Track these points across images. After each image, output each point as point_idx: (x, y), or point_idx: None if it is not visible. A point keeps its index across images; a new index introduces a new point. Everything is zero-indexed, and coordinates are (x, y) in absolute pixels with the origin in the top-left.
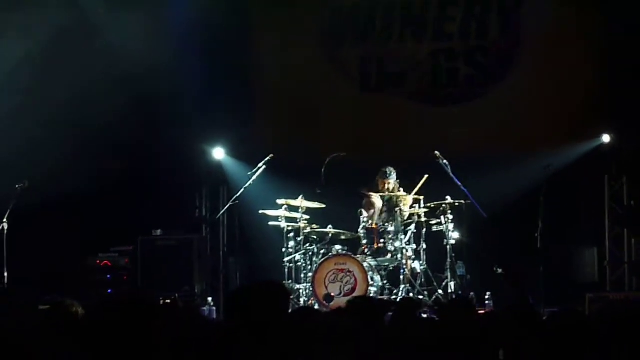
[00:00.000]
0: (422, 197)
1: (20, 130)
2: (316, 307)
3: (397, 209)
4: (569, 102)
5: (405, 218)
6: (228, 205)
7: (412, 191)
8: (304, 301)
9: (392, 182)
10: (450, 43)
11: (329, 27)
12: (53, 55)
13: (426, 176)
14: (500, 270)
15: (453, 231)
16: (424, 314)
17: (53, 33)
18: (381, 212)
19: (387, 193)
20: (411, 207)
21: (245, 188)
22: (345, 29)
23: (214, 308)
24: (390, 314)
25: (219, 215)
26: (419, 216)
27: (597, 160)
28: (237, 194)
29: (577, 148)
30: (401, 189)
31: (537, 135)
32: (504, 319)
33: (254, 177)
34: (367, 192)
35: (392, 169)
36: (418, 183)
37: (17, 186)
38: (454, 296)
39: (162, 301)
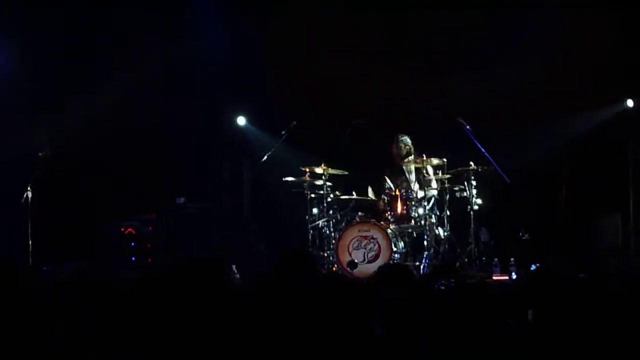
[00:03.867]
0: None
1: (43, 96)
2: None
3: (419, 175)
4: (593, 67)
5: (428, 184)
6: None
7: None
8: (328, 268)
9: (403, 147)
10: (471, 8)
11: None
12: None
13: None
14: (526, 236)
15: (476, 197)
16: (442, 286)
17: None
18: (403, 178)
19: (403, 157)
20: (434, 173)
21: (269, 154)
22: None
23: (238, 275)
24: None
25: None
26: (442, 182)
27: (621, 125)
28: (259, 161)
29: (601, 113)
30: (424, 155)
31: (560, 100)
32: (529, 283)
33: (277, 144)
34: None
35: (402, 135)
36: (438, 153)
37: (39, 154)
38: (477, 262)
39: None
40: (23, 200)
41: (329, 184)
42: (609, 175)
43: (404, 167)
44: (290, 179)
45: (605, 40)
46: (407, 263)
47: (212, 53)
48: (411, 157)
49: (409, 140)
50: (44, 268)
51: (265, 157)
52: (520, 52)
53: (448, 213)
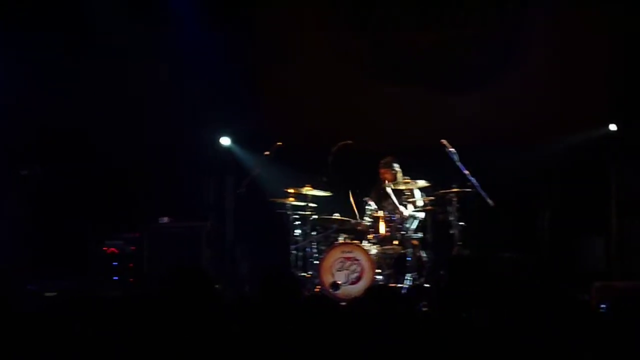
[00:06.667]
0: (429, 185)
1: (27, 117)
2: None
3: (403, 197)
4: (576, 90)
5: (412, 206)
6: (240, 190)
7: (416, 180)
8: (310, 289)
9: (391, 171)
10: (461, 31)
11: (338, 14)
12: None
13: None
14: (507, 257)
15: (459, 220)
16: (424, 307)
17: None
18: (386, 200)
19: (388, 183)
20: (420, 195)
21: (252, 176)
22: (356, 15)
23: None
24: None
25: (240, 190)
26: (426, 204)
27: (604, 149)
28: (244, 181)
29: (585, 136)
30: (407, 178)
31: (544, 123)
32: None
33: (262, 165)
34: (371, 199)
35: (390, 158)
36: (423, 176)
37: (22, 172)
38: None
39: None
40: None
41: (312, 205)
42: (592, 198)
43: (389, 190)
44: (274, 199)
45: (590, 64)
46: (390, 285)
47: (197, 72)
48: (398, 180)
49: (397, 165)
50: (29, 286)
51: (249, 179)
52: (505, 74)
53: (431, 235)
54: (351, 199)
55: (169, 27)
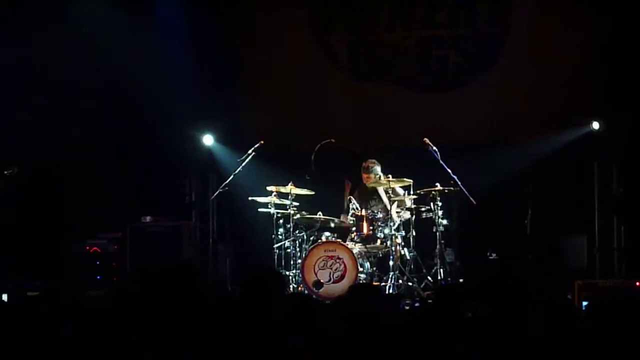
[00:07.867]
0: (411, 182)
1: (10, 115)
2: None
3: (386, 196)
4: (559, 89)
5: (395, 205)
6: (219, 191)
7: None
8: (293, 288)
9: (373, 175)
10: (439, 31)
11: (319, 13)
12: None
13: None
14: (494, 256)
15: (442, 218)
16: (407, 306)
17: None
18: (371, 199)
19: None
20: (402, 194)
21: (234, 174)
22: (335, 15)
23: None
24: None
25: (213, 197)
26: (409, 203)
27: (587, 147)
28: (226, 180)
29: (567, 134)
30: (389, 176)
31: (527, 121)
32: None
33: (244, 164)
34: (354, 197)
35: (372, 162)
36: (405, 172)
37: (5, 172)
38: (443, 283)
39: None
40: None
41: (295, 203)
42: (575, 197)
43: (380, 190)
44: (256, 198)
45: (571, 63)
46: (373, 283)
47: (180, 71)
48: (381, 181)
49: (379, 168)
50: (8, 286)
51: (229, 181)
52: (486, 72)
53: (414, 234)
54: (346, 188)
55: (151, 25)
